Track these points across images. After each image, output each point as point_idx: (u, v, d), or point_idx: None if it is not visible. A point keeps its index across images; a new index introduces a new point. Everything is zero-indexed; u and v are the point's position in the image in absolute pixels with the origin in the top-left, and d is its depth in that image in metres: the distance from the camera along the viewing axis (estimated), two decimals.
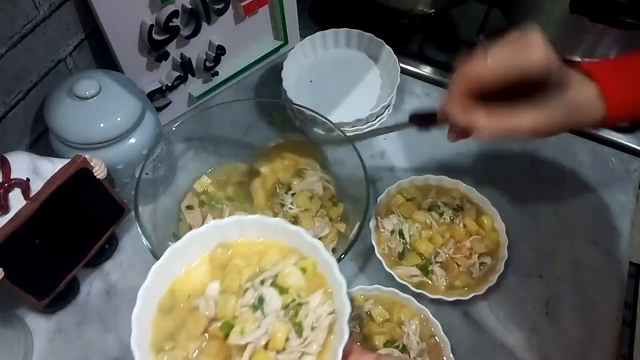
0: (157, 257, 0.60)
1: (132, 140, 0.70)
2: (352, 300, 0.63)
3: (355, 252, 0.71)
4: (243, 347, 0.44)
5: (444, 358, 0.64)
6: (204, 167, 0.79)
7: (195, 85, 0.87)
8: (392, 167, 0.83)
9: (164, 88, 0.81)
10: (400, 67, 0.84)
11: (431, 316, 0.65)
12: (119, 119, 0.68)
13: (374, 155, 0.85)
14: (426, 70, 0.94)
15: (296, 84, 0.86)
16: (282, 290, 0.46)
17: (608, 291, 0.72)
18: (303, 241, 0.48)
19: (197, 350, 0.45)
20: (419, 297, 0.67)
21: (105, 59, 0.79)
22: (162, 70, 0.81)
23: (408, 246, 0.72)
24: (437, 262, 0.71)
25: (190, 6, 0.75)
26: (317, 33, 0.88)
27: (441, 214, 0.74)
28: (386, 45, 0.86)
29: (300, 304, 0.46)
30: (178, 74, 0.82)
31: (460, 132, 0.59)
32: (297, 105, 0.77)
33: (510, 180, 0.82)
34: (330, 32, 0.89)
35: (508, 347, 0.68)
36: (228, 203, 0.74)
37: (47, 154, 0.64)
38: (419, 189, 0.78)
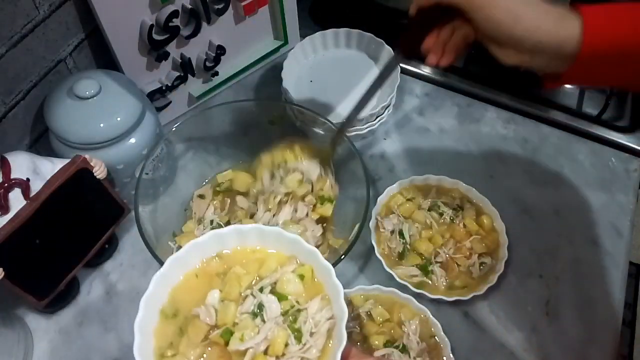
0: (157, 257, 0.61)
1: (132, 140, 0.70)
2: (348, 303, 0.63)
3: (355, 252, 0.71)
4: (243, 353, 0.44)
5: (444, 358, 0.64)
6: (204, 167, 0.79)
7: (195, 85, 0.87)
8: (392, 167, 0.83)
9: (164, 88, 0.81)
10: (400, 67, 0.84)
11: (431, 316, 0.65)
12: (119, 119, 0.68)
13: (374, 155, 0.85)
14: (426, 70, 0.94)
15: (296, 84, 0.86)
16: (281, 297, 0.47)
17: (608, 291, 0.72)
18: (301, 248, 0.49)
19: (198, 357, 0.46)
20: (419, 297, 0.67)
21: (105, 59, 0.79)
22: (162, 70, 0.81)
23: (408, 246, 0.72)
24: (437, 262, 0.71)
25: (190, 6, 0.75)
26: (317, 33, 0.88)
27: (441, 214, 0.74)
28: (386, 45, 0.86)
29: (299, 310, 0.47)
30: (178, 74, 0.82)
31: (441, 53, 0.57)
32: (297, 105, 0.78)
33: (510, 180, 0.82)
34: (330, 32, 0.89)
35: (508, 347, 0.68)
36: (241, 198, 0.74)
37: (47, 154, 0.64)
38: (419, 189, 0.78)
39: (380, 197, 0.76)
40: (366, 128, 0.81)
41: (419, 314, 0.66)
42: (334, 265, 0.60)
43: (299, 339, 0.45)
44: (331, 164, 0.72)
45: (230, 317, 0.46)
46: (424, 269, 0.70)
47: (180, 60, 0.81)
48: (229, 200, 0.75)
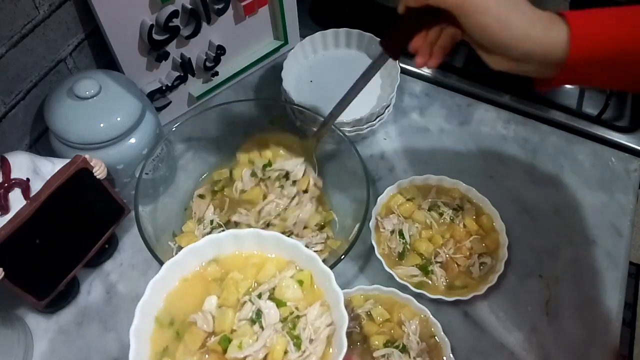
0: (157, 257, 0.61)
1: (132, 140, 0.70)
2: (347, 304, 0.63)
3: (355, 252, 0.71)
4: None
5: (444, 358, 0.64)
6: (204, 167, 0.79)
7: (195, 85, 0.87)
8: (392, 167, 0.83)
9: (164, 88, 0.81)
10: (400, 67, 0.84)
11: (431, 316, 0.65)
12: (119, 119, 0.68)
13: (374, 155, 0.85)
14: (426, 70, 0.94)
15: (296, 84, 0.86)
16: (280, 303, 0.47)
17: (608, 291, 0.72)
18: (300, 254, 0.48)
19: None
20: (419, 297, 0.67)
21: (105, 59, 0.79)
22: (162, 70, 0.81)
23: (408, 246, 0.72)
24: (437, 262, 0.71)
25: (190, 6, 0.75)
26: (317, 33, 0.88)
27: (441, 214, 0.74)
28: None
29: (298, 317, 0.46)
30: (178, 74, 0.82)
31: (429, 54, 0.57)
32: (297, 105, 0.78)
33: (510, 180, 0.82)
34: (330, 32, 0.89)
35: (508, 347, 0.68)
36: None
37: (47, 154, 0.64)
38: (419, 189, 0.78)
39: (380, 197, 0.76)
40: (366, 128, 0.81)
41: (419, 314, 0.66)
42: (334, 265, 0.60)
43: (298, 345, 0.44)
44: (314, 158, 0.73)
45: (228, 324, 0.46)
46: (424, 269, 0.70)
47: (180, 60, 0.81)
48: (228, 200, 0.75)
